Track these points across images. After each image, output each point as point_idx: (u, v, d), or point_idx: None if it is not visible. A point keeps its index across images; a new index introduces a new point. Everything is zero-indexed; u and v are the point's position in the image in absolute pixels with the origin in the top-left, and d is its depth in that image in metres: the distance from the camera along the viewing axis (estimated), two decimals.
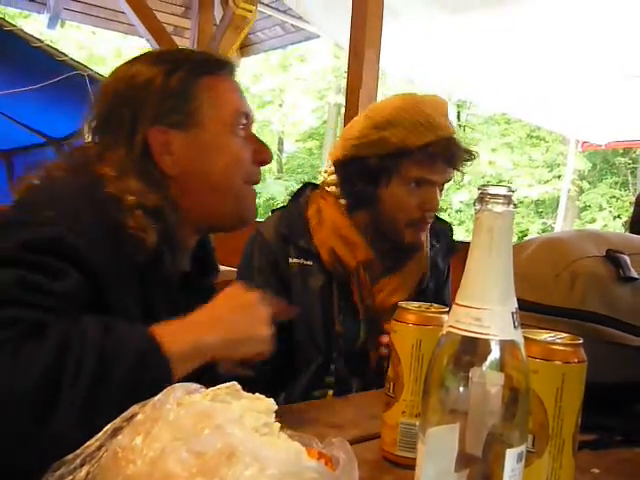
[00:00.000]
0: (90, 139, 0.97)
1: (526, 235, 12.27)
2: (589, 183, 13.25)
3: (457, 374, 0.53)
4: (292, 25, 4.78)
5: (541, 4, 3.31)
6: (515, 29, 3.63)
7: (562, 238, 0.94)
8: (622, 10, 3.15)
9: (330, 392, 1.33)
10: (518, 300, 0.72)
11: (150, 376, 0.71)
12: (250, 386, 0.63)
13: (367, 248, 1.33)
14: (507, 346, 0.52)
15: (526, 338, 0.60)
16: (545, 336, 0.62)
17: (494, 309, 0.51)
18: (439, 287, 1.45)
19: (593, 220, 12.53)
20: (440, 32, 3.89)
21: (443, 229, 1.49)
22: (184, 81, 0.93)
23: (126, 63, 0.98)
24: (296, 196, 1.44)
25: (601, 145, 5.79)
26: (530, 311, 0.86)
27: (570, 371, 0.60)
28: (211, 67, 0.98)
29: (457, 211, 13.49)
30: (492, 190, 0.52)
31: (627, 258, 0.89)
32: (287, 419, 0.62)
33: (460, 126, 13.92)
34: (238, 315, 0.84)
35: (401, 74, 5.37)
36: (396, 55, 4.11)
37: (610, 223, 11.99)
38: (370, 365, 1.34)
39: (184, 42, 4.71)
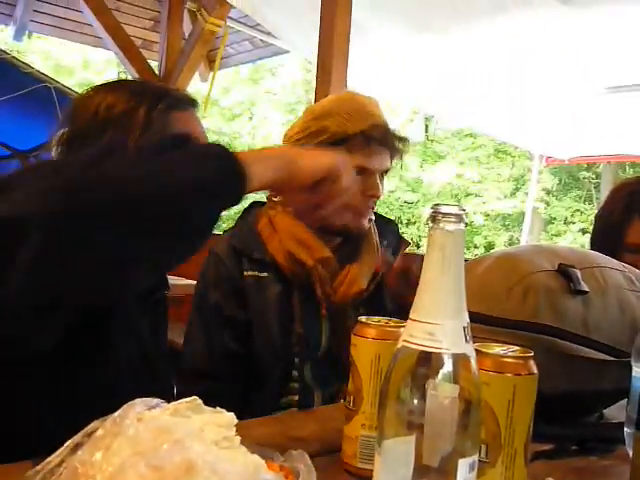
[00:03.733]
0: (58, 152, 1.00)
1: (493, 248, 12.43)
2: (555, 197, 13.49)
3: (411, 387, 0.55)
4: (261, 40, 4.81)
5: (507, 22, 3.38)
6: (480, 47, 3.71)
7: (516, 253, 0.97)
8: (586, 27, 3.23)
9: (295, 398, 1.35)
10: (474, 313, 0.75)
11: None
12: (215, 401, 0.64)
13: (322, 246, 1.38)
14: (459, 359, 0.54)
15: (478, 351, 0.62)
16: (497, 349, 0.64)
17: (446, 324, 0.54)
18: None
19: (559, 233, 12.75)
20: (407, 49, 3.95)
21: (389, 227, 1.55)
22: (163, 115, 0.98)
23: (107, 87, 1.04)
24: (245, 213, 1.51)
25: (564, 160, 5.92)
26: (485, 324, 0.89)
27: (521, 383, 0.62)
28: (184, 103, 1.07)
29: (427, 223, 13.57)
30: (444, 209, 0.54)
31: (578, 272, 0.92)
32: (250, 432, 0.63)
33: (428, 139, 14.08)
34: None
35: (368, 90, 5.43)
36: (364, 71, 4.16)
37: (578, 238, 12.21)
38: (337, 369, 1.36)
39: (152, 55, 4.70)
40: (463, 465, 0.54)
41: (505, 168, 13.93)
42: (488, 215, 13.16)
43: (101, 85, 1.08)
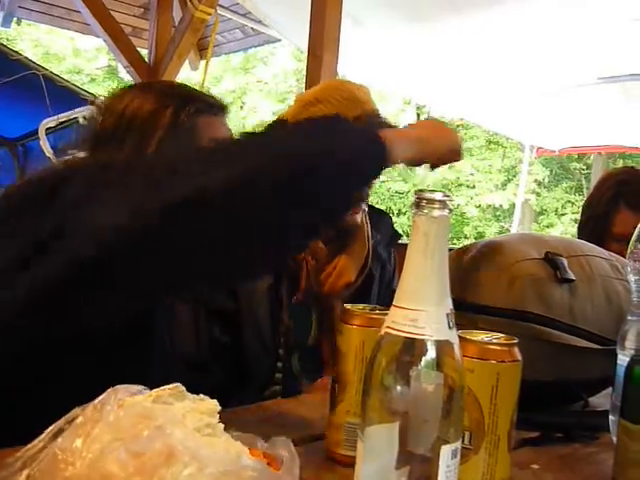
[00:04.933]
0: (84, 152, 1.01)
1: (483, 237, 12.47)
2: (546, 189, 13.52)
3: (394, 374, 0.55)
4: (252, 28, 4.78)
5: (499, 13, 3.38)
6: (472, 37, 3.70)
7: (503, 241, 0.97)
8: (577, 18, 3.23)
9: (281, 388, 1.35)
10: (460, 301, 0.75)
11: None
12: (202, 390, 0.64)
13: None
14: (442, 346, 0.54)
15: (462, 338, 0.62)
16: (481, 336, 0.64)
17: (429, 310, 0.53)
18: (389, 279, 1.49)
19: (550, 225, 12.80)
20: (401, 39, 3.94)
21: (382, 219, 1.54)
22: (191, 118, 1.01)
23: (135, 88, 1.06)
24: None
25: (555, 151, 5.93)
26: (471, 311, 0.89)
27: (505, 370, 0.62)
28: (215, 108, 1.08)
29: None
30: (428, 195, 0.54)
31: (565, 260, 0.92)
32: (233, 420, 0.63)
33: None
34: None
35: (360, 78, 5.43)
36: (358, 61, 4.16)
37: (569, 229, 12.25)
38: (324, 360, 1.36)
39: (142, 43, 4.66)
40: (446, 452, 0.54)
41: (497, 159, 13.94)
42: (480, 206, 13.18)
43: (130, 86, 1.10)
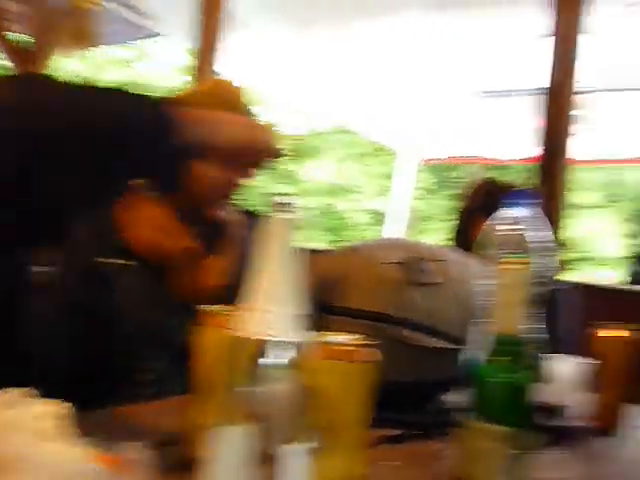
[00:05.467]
0: None
1: None
2: (430, 195, 14.04)
3: (246, 375, 0.55)
4: (136, 21, 4.64)
5: (385, 24, 3.48)
6: (358, 47, 3.78)
7: (368, 245, 1.01)
8: (461, 31, 3.38)
9: (148, 391, 1.32)
10: (324, 303, 0.76)
11: None
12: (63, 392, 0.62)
13: (186, 235, 1.35)
14: (294, 347, 0.55)
15: (316, 340, 0.64)
16: (335, 337, 0.66)
17: (280, 312, 0.54)
18: None
19: (432, 230, 13.30)
20: (288, 45, 3.97)
21: (256, 221, 1.55)
22: None
23: None
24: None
25: (440, 159, 6.18)
26: (334, 314, 0.91)
27: (359, 370, 0.64)
28: None
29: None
30: (278, 199, 0.54)
31: (425, 265, 0.96)
32: (86, 424, 0.61)
33: (311, 134, 14.19)
34: None
35: (247, 82, 5.41)
36: (244, 63, 4.15)
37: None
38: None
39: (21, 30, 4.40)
40: (299, 452, 0.55)
41: (382, 166, 14.32)
42: (364, 212, 13.48)
43: None
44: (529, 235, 0.89)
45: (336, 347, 0.64)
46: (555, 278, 1.83)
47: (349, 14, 3.50)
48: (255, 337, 0.54)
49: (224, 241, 1.42)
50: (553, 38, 2.23)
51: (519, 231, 0.89)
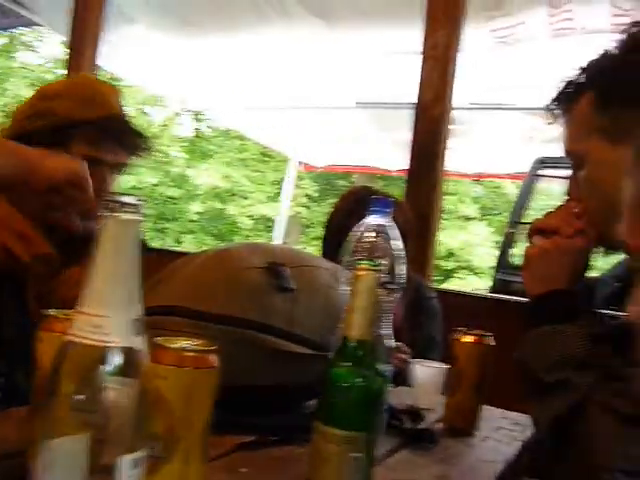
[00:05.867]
0: None
1: None
2: (315, 203, 14.21)
3: (78, 383, 0.52)
4: (11, 9, 4.39)
5: (269, 32, 3.48)
6: (247, 53, 3.77)
7: (229, 249, 0.99)
8: (340, 42, 3.44)
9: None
10: (182, 308, 0.74)
11: None
12: None
13: (43, 241, 1.27)
14: (128, 353, 0.52)
15: (157, 345, 0.61)
16: (178, 343, 0.64)
17: (115, 316, 0.51)
18: None
19: (317, 237, 13.45)
20: (177, 46, 3.89)
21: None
22: None
23: None
24: None
25: (319, 167, 6.28)
26: (192, 318, 0.89)
27: (200, 377, 0.62)
28: None
29: (190, 221, 13.54)
30: (118, 198, 0.52)
31: (287, 270, 0.96)
32: None
33: (197, 136, 14.01)
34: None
35: (135, 79, 5.27)
36: (130, 60, 4.03)
37: None
38: None
39: None
40: (129, 461, 0.53)
41: (270, 171, 14.35)
42: (252, 217, 13.44)
43: None
44: (383, 242, 0.91)
45: (181, 353, 0.62)
46: (422, 285, 1.90)
47: (236, 19, 3.49)
48: (87, 343, 0.51)
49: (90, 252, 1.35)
50: (424, 54, 2.32)
51: (374, 238, 0.91)
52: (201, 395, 0.62)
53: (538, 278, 1.00)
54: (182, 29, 3.73)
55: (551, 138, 4.61)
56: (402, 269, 0.96)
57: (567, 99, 1.01)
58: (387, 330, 0.97)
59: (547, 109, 1.04)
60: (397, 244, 0.96)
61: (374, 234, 0.95)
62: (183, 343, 0.64)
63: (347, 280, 0.97)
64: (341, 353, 0.72)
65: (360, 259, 0.72)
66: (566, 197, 1.07)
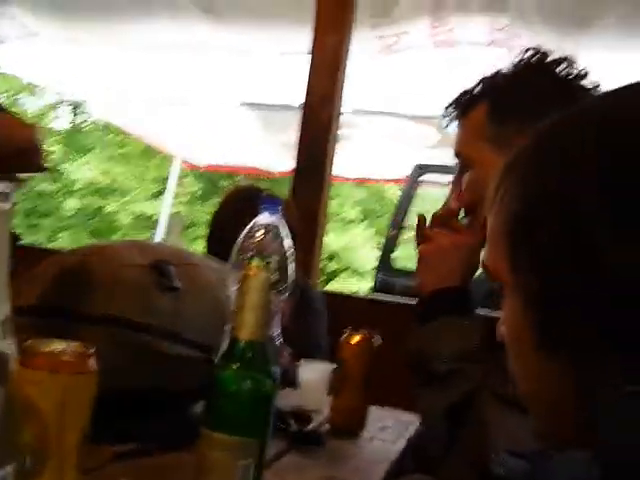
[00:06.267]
0: None
1: None
2: (198, 202, 13.96)
3: None
4: None
5: (155, 26, 3.37)
6: (131, 47, 3.63)
7: (109, 246, 0.94)
8: (228, 39, 3.38)
9: None
10: (59, 309, 0.67)
11: None
12: None
13: None
14: None
15: (28, 347, 0.56)
16: (52, 346, 0.58)
17: None
18: None
19: (198, 237, 13.23)
20: (52, 30, 3.68)
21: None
22: None
23: None
24: None
25: (202, 166, 6.16)
26: (67, 319, 0.83)
27: (76, 383, 0.57)
28: None
29: (66, 217, 12.89)
30: None
31: (172, 268, 0.92)
32: None
33: (75, 129, 13.39)
34: None
35: (10, 67, 4.94)
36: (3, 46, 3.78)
37: None
38: None
39: None
40: (6, 475, 0.48)
41: (152, 169, 13.96)
42: (133, 214, 13.01)
43: None
44: (273, 241, 0.89)
45: (55, 357, 0.57)
46: (308, 286, 1.90)
47: (119, 8, 3.34)
48: None
49: None
50: (313, 56, 2.33)
51: (264, 236, 0.89)
52: (77, 402, 0.57)
53: (433, 274, 1.03)
54: (60, 15, 3.54)
55: (431, 145, 4.81)
56: (292, 269, 0.94)
57: (463, 106, 1.06)
58: (275, 331, 0.95)
59: (444, 112, 1.09)
60: (287, 243, 0.94)
61: (264, 232, 0.92)
62: (57, 346, 0.58)
63: (235, 280, 0.94)
64: (229, 354, 0.69)
65: (250, 257, 0.69)
66: (450, 197, 1.12)
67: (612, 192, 0.43)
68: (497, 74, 1.04)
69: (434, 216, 1.11)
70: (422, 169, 5.42)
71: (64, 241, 12.05)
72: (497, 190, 0.52)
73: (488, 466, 0.81)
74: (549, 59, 1.00)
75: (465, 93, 1.07)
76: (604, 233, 0.43)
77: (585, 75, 0.98)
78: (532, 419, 0.54)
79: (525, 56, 1.02)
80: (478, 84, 1.06)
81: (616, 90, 0.51)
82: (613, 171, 0.44)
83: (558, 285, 0.45)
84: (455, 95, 1.08)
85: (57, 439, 0.56)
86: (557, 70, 0.99)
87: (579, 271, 0.44)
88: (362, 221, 13.96)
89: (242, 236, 0.94)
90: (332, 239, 11.84)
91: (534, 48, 1.02)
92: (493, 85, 1.04)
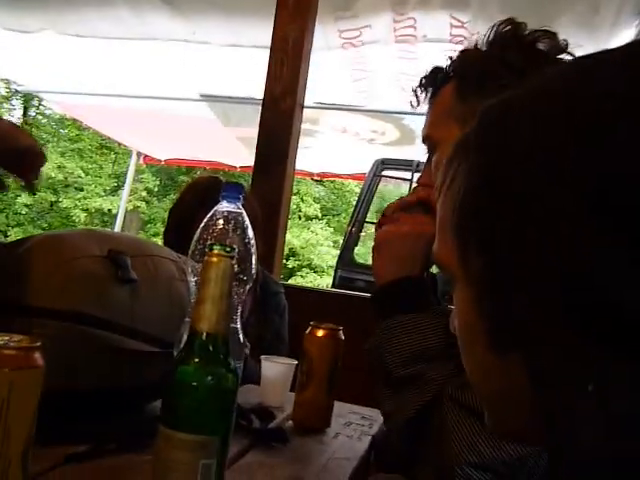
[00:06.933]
0: None
1: None
2: (156, 198, 13.78)
3: None
4: None
5: (115, 15, 3.28)
6: (91, 36, 3.52)
7: (63, 235, 0.88)
8: (186, 31, 3.31)
9: None
10: (10, 302, 0.63)
11: None
12: None
13: None
14: None
15: None
16: None
17: None
18: None
19: (157, 233, 13.05)
20: (4, 17, 3.55)
21: None
22: None
23: None
24: None
25: (161, 160, 6.06)
26: (20, 314, 0.77)
27: (20, 379, 0.52)
28: None
29: (18, 213, 12.58)
30: None
31: (129, 260, 0.87)
32: None
33: (27, 123, 13.06)
34: None
35: None
36: None
37: None
38: None
39: None
40: None
41: (108, 164, 13.73)
42: (87, 210, 12.77)
43: None
44: (234, 230, 0.85)
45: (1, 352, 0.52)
46: (269, 280, 1.86)
47: (80, 1, 3.24)
48: None
49: None
50: (273, 47, 2.29)
51: (225, 226, 0.85)
52: (22, 400, 0.53)
53: (390, 261, 0.96)
54: (14, 4, 3.41)
55: (391, 141, 4.81)
56: (254, 259, 0.90)
57: (431, 85, 1.01)
58: (237, 324, 0.91)
59: (413, 93, 1.03)
60: (248, 233, 0.91)
61: (224, 221, 0.89)
62: (0, 340, 0.53)
63: (194, 271, 0.90)
64: (189, 348, 0.65)
65: (212, 245, 0.65)
66: (417, 184, 1.07)
67: (569, 173, 0.40)
68: (464, 50, 0.98)
69: (397, 202, 1.05)
70: (383, 164, 5.43)
71: (16, 237, 11.76)
72: (445, 175, 0.50)
73: None
74: (521, 32, 0.93)
75: (433, 72, 1.01)
76: (562, 216, 0.40)
77: (563, 49, 0.91)
78: (486, 415, 0.51)
79: (497, 30, 0.95)
80: (449, 63, 0.99)
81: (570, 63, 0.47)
82: (567, 153, 0.41)
83: (510, 269, 0.42)
84: (425, 74, 1.02)
85: (1, 441, 0.51)
86: (528, 42, 0.92)
87: (534, 255, 0.41)
88: (321, 218, 13.97)
89: (202, 225, 0.90)
90: (290, 236, 11.83)
91: (507, 20, 0.94)
92: (462, 62, 0.97)
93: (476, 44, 0.96)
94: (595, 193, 0.39)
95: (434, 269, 1.02)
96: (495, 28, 0.94)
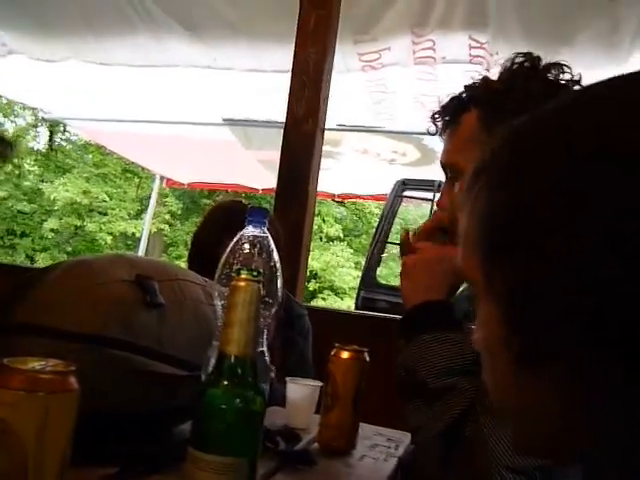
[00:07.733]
0: None
1: None
2: (179, 221, 13.91)
3: None
4: None
5: (138, 45, 3.35)
6: (116, 67, 3.60)
7: (90, 261, 0.90)
8: (208, 57, 3.37)
9: None
10: (39, 325, 0.64)
11: None
12: None
13: None
14: None
15: (5, 367, 0.53)
16: (29, 364, 0.55)
17: None
18: None
19: (179, 256, 13.16)
20: (31, 46, 3.63)
21: None
22: None
23: None
24: None
25: (184, 184, 6.13)
26: (50, 337, 0.79)
27: (56, 402, 0.54)
28: None
29: (44, 238, 12.74)
30: None
31: (156, 284, 0.89)
32: None
33: (52, 149, 13.30)
34: None
35: None
36: None
37: None
38: None
39: None
40: None
41: (132, 188, 13.90)
42: (112, 234, 12.93)
43: None
44: (259, 254, 0.87)
45: (27, 375, 0.53)
46: (292, 302, 1.87)
47: (99, 25, 3.32)
48: None
49: None
50: (294, 70, 2.32)
51: (251, 250, 0.86)
52: (58, 424, 0.54)
53: (418, 287, 1.00)
54: (40, 33, 3.50)
55: (412, 161, 4.82)
56: (280, 283, 0.91)
57: (453, 112, 1.03)
58: (263, 346, 0.92)
59: (431, 120, 1.05)
60: (274, 256, 0.92)
61: (250, 245, 0.90)
62: (35, 364, 0.55)
63: (221, 294, 0.91)
64: (217, 371, 0.66)
65: (239, 269, 0.66)
66: (436, 209, 1.10)
67: (590, 192, 0.41)
68: (486, 79, 1.01)
69: (419, 229, 1.08)
70: (404, 184, 5.43)
71: (42, 261, 11.91)
72: (470, 190, 0.51)
73: None
74: (541, 64, 0.98)
75: (453, 99, 1.04)
76: (585, 235, 0.41)
77: (578, 81, 0.96)
78: (510, 431, 0.52)
79: (516, 61, 0.99)
80: (465, 91, 1.03)
81: (590, 87, 0.49)
82: (588, 168, 0.42)
83: (536, 285, 0.43)
84: (442, 103, 1.05)
85: (36, 465, 0.52)
86: (548, 75, 0.96)
87: (560, 271, 0.41)
88: (343, 239, 13.98)
89: (228, 249, 0.91)
90: (311, 259, 11.84)
91: (525, 53, 0.99)
92: (484, 90, 1.00)
93: (487, 77, 1.00)
94: (613, 223, 0.40)
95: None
96: (513, 59, 0.98)
